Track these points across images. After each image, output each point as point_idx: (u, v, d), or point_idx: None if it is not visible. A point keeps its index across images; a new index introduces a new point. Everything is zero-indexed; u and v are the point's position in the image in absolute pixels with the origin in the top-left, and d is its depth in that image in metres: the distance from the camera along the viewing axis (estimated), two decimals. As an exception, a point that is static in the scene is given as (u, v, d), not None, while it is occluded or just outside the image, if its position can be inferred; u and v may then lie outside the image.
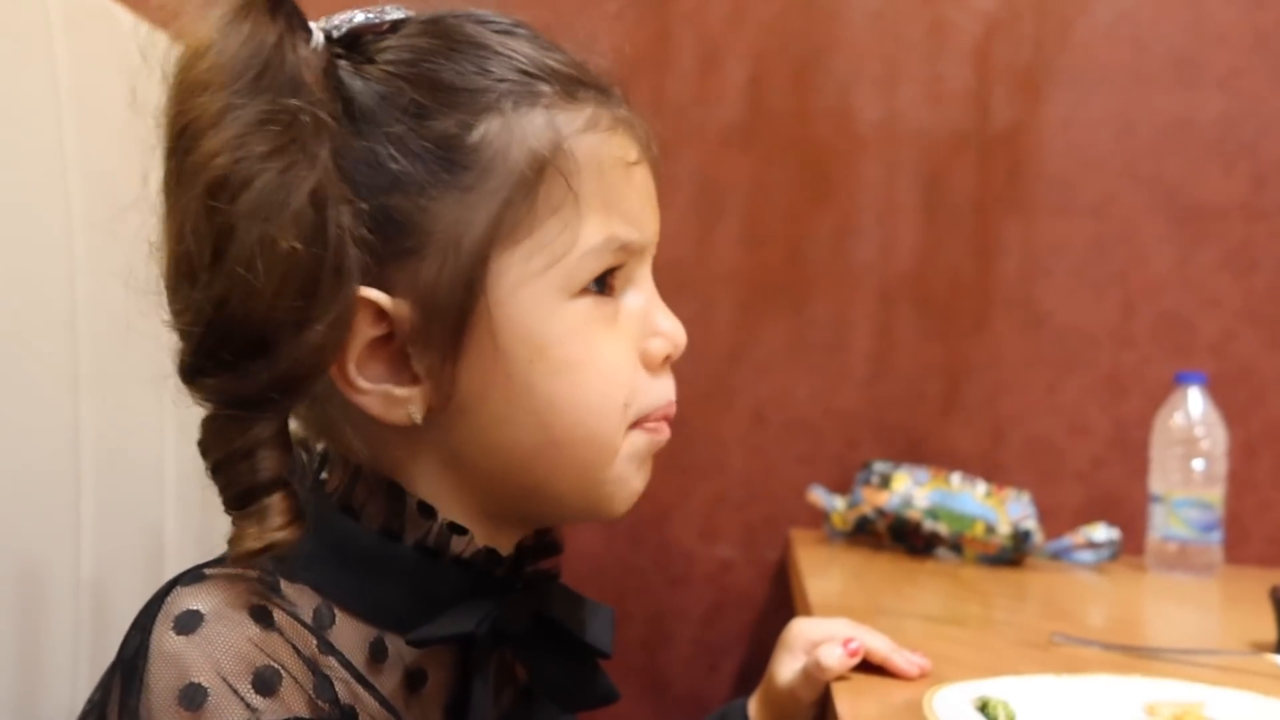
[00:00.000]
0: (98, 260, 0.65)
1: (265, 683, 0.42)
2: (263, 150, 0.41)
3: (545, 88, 0.48)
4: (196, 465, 0.74)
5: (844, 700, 0.58)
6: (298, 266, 0.42)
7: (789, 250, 1.33)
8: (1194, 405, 1.14)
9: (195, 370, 0.43)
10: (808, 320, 1.33)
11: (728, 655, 1.32)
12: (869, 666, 0.63)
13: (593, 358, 0.48)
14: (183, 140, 0.42)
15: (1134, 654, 0.70)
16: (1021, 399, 1.31)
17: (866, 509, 1.15)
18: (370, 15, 0.49)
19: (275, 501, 0.43)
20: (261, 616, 0.44)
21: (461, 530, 0.49)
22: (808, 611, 0.83)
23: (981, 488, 1.15)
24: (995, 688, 0.55)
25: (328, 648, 0.46)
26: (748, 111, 1.33)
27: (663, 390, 0.51)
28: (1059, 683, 0.58)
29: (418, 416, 0.47)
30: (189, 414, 0.78)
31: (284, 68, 0.42)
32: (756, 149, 1.33)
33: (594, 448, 0.49)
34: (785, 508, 1.31)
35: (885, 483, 1.16)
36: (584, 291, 0.48)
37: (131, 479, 0.70)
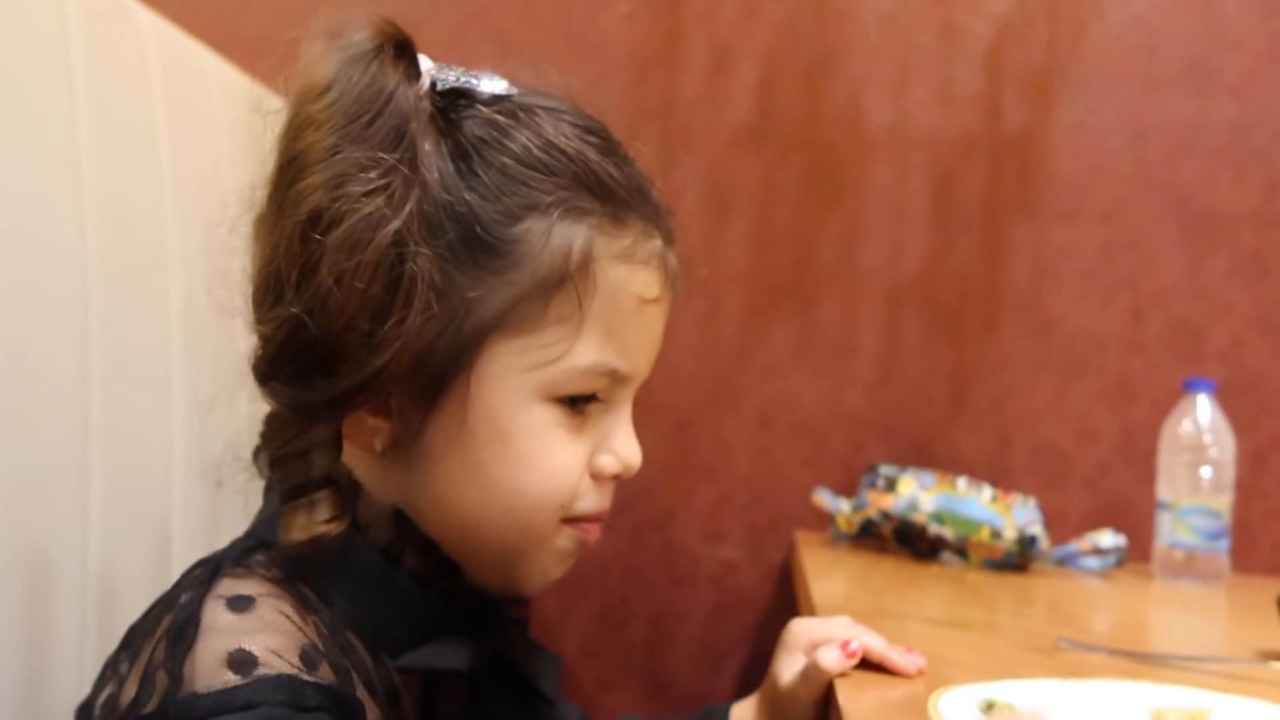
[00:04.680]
0: (110, 253, 0.65)
1: (309, 660, 0.46)
2: (359, 191, 0.45)
3: (594, 205, 0.50)
4: (205, 458, 0.74)
5: (846, 698, 0.58)
6: (371, 299, 0.46)
7: (797, 252, 1.33)
8: (1203, 413, 1.14)
9: (268, 375, 0.47)
10: (815, 322, 1.33)
11: (730, 656, 1.32)
12: (870, 665, 0.63)
13: (546, 458, 0.51)
14: (290, 170, 0.46)
15: (1140, 660, 0.70)
16: (1029, 404, 1.31)
17: (872, 512, 1.15)
18: (473, 80, 0.51)
19: (324, 497, 0.48)
20: (302, 608, 0.47)
21: (455, 566, 0.53)
22: (812, 614, 0.82)
23: (988, 492, 1.14)
24: (1000, 691, 0.55)
25: (348, 647, 0.49)
26: (758, 113, 1.33)
27: (600, 500, 0.55)
28: (1065, 687, 0.58)
29: (379, 447, 0.51)
30: (198, 407, 0.78)
31: (393, 117, 0.46)
32: (766, 150, 1.33)
33: (523, 533, 0.52)
34: (790, 510, 1.31)
35: (891, 486, 1.16)
36: (559, 400, 0.51)
37: (140, 471, 0.70)
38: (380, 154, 0.46)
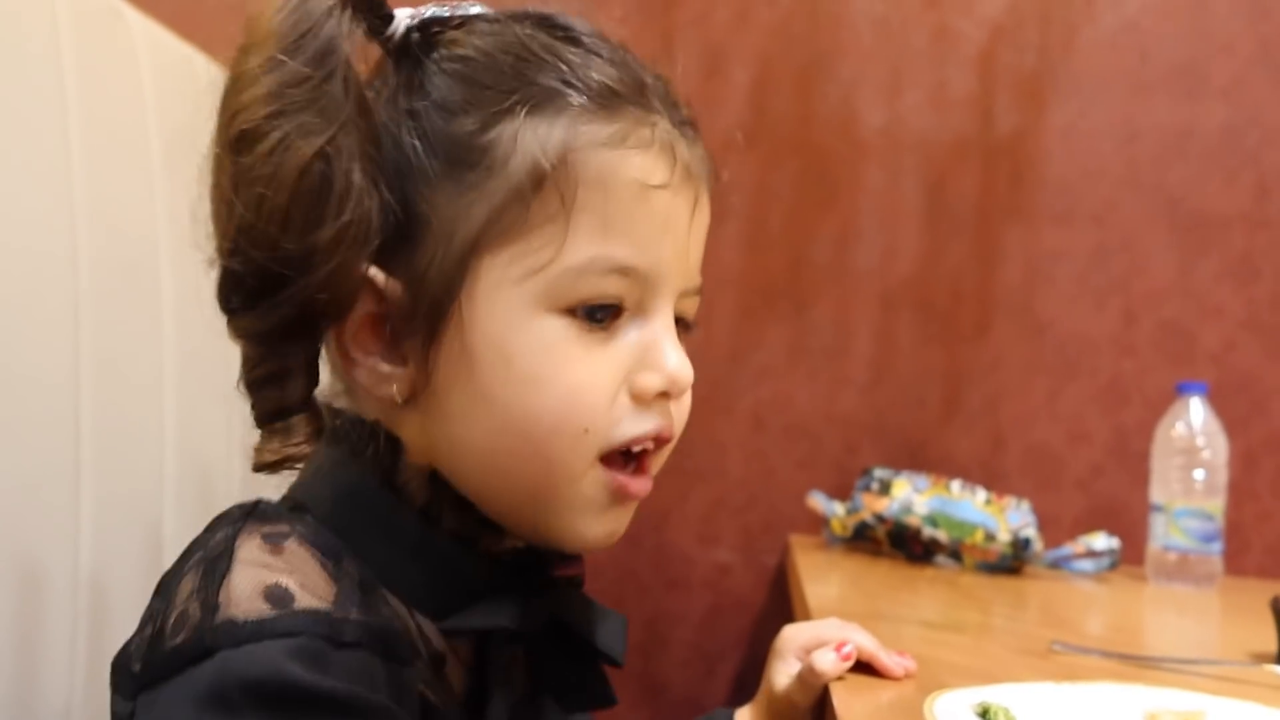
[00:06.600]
0: (100, 256, 0.65)
1: (343, 603, 0.44)
2: (275, 109, 0.45)
3: (576, 97, 0.48)
4: (196, 463, 0.74)
5: (842, 702, 0.58)
6: (294, 218, 0.45)
7: (791, 255, 1.33)
8: (1195, 415, 1.14)
9: (224, 307, 0.47)
10: (809, 325, 1.33)
11: (725, 659, 1.32)
12: (863, 666, 0.63)
13: (558, 377, 0.47)
14: (225, 96, 0.47)
15: (1134, 663, 0.70)
16: (1022, 406, 1.31)
17: (866, 515, 1.15)
18: (443, 10, 0.50)
19: (298, 421, 0.47)
20: (334, 562, 0.46)
21: (494, 528, 0.50)
22: (806, 616, 0.82)
23: (981, 495, 1.14)
24: (996, 694, 0.55)
25: (383, 602, 0.47)
26: (751, 115, 1.33)
27: (646, 423, 0.49)
28: (1059, 690, 0.58)
29: (398, 396, 0.48)
30: (189, 412, 0.78)
31: (319, 37, 0.45)
32: (759, 153, 1.33)
33: (547, 467, 0.48)
34: (784, 513, 1.31)
35: (885, 489, 1.16)
36: (569, 311, 0.47)
37: (131, 477, 0.70)
38: (305, 72, 0.45)
